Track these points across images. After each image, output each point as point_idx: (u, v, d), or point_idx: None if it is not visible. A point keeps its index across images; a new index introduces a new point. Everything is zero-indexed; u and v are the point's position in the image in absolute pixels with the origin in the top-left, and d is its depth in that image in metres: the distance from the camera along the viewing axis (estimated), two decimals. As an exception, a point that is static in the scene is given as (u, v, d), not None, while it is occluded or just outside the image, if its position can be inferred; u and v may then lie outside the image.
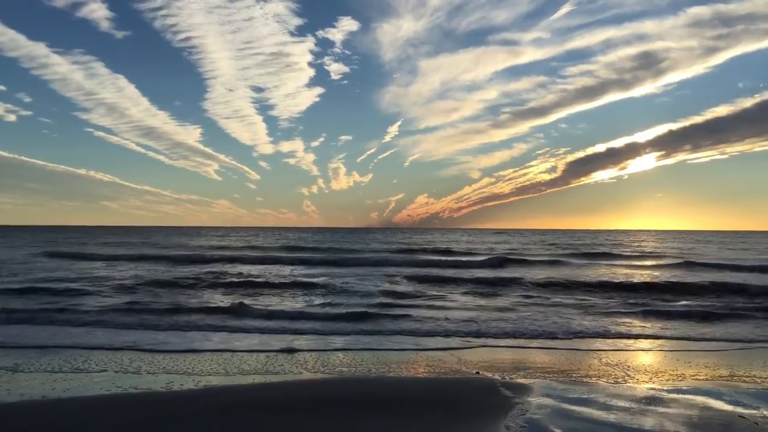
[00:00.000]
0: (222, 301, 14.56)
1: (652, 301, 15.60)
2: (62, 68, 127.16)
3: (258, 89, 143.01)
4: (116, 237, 71.55)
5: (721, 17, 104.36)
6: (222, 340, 9.81)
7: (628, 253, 39.16)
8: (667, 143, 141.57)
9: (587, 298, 16.25)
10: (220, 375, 7.30)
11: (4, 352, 8.62)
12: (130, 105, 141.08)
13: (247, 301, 14.38)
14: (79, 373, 7.33)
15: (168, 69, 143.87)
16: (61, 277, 19.93)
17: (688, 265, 28.00)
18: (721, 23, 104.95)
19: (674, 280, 20.55)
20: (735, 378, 7.29)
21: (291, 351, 8.95)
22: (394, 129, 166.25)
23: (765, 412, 5.69)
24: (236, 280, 19.83)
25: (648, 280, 20.55)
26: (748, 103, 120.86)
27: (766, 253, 40.32)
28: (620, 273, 24.31)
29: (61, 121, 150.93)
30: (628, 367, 7.95)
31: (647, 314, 12.97)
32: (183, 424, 5.26)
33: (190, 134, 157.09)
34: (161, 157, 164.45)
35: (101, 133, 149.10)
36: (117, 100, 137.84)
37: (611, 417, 5.51)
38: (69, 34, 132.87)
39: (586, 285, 18.89)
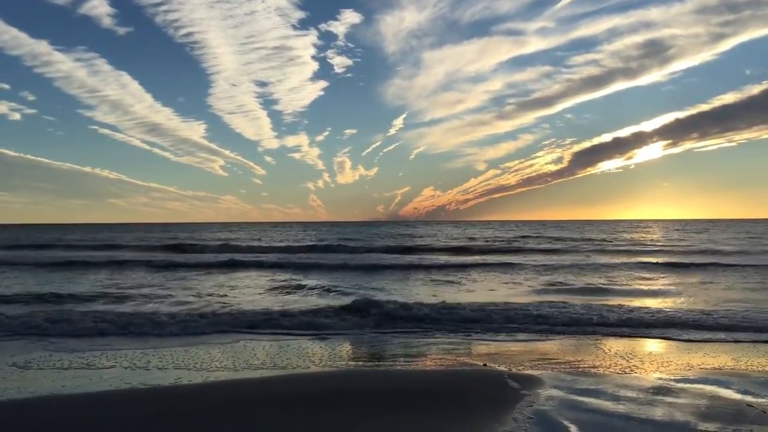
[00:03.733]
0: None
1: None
2: (65, 66, 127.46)
3: (261, 84, 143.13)
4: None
5: (727, 3, 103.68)
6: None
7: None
8: (674, 132, 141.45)
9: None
10: (227, 370, 7.33)
11: (12, 350, 8.68)
12: (134, 101, 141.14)
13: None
14: (88, 369, 7.38)
15: (171, 65, 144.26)
16: None
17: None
18: (727, 9, 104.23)
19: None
20: (742, 367, 7.27)
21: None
22: (399, 122, 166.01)
23: (774, 401, 5.68)
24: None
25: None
26: (755, 89, 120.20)
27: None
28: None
29: (66, 119, 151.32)
30: (635, 357, 7.95)
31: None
32: (191, 418, 5.29)
33: (195, 130, 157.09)
34: (166, 154, 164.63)
35: (106, 131, 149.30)
36: (121, 96, 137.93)
37: (620, 408, 5.50)
38: (71, 31, 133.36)
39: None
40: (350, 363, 7.76)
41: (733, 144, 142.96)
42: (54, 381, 6.79)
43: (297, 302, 13.91)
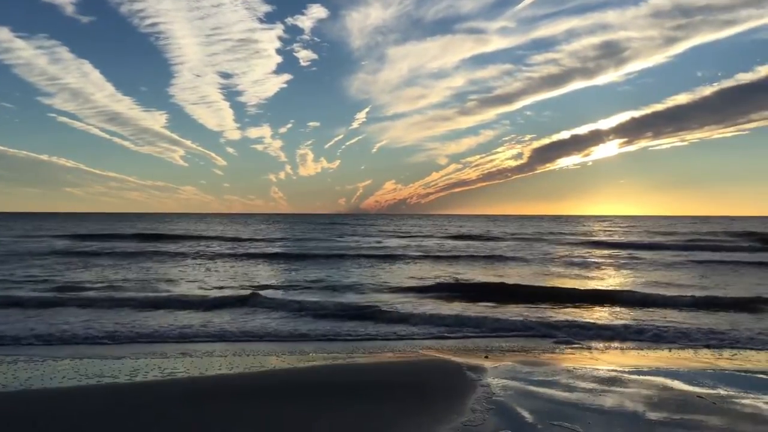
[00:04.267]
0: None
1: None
2: (26, 53, 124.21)
3: (226, 75, 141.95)
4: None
5: (680, 8, 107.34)
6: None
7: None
8: (630, 130, 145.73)
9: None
10: (186, 364, 7.23)
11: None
12: (95, 90, 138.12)
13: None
14: (42, 362, 7.19)
15: (134, 55, 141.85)
16: None
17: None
18: (680, 14, 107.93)
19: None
20: (695, 360, 7.50)
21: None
22: (362, 115, 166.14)
23: (722, 393, 5.87)
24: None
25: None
26: (707, 91, 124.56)
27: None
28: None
29: (24, 107, 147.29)
30: (591, 349, 8.12)
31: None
32: (149, 411, 5.20)
33: (156, 120, 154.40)
34: (126, 143, 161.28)
35: (65, 119, 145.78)
36: (82, 85, 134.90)
37: (573, 397, 5.63)
38: (34, 18, 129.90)
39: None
40: (313, 356, 7.74)
41: (686, 143, 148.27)
42: (5, 374, 6.60)
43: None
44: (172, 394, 5.76)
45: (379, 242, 38.52)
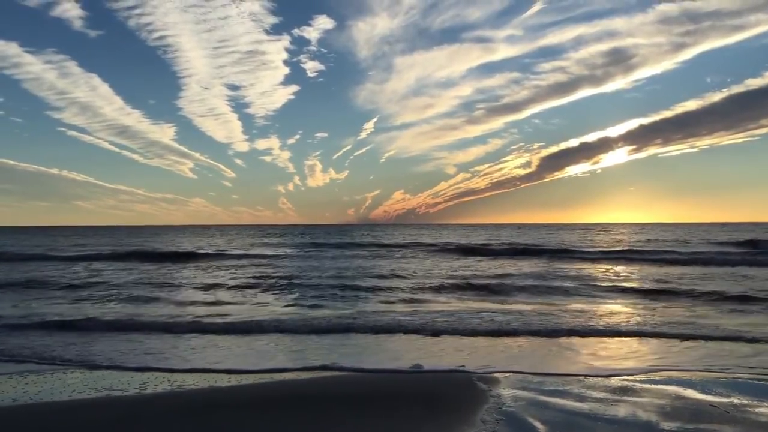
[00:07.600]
0: None
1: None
2: (35, 68, 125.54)
3: (233, 87, 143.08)
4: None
5: (688, 14, 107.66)
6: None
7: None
8: (639, 137, 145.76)
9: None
10: (195, 375, 7.23)
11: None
12: (104, 104, 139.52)
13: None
14: (51, 375, 7.20)
15: (142, 68, 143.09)
16: None
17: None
18: (688, 20, 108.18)
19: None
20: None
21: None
22: (369, 126, 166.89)
23: (736, 401, 5.80)
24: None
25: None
26: (716, 97, 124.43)
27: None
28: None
29: (33, 121, 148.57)
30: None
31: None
32: (157, 423, 5.20)
33: (165, 133, 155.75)
34: (135, 156, 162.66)
35: (74, 133, 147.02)
36: (90, 99, 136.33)
37: (585, 407, 5.57)
38: (42, 33, 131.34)
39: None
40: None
41: (695, 150, 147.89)
42: (16, 387, 6.62)
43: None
44: (181, 406, 5.75)
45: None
